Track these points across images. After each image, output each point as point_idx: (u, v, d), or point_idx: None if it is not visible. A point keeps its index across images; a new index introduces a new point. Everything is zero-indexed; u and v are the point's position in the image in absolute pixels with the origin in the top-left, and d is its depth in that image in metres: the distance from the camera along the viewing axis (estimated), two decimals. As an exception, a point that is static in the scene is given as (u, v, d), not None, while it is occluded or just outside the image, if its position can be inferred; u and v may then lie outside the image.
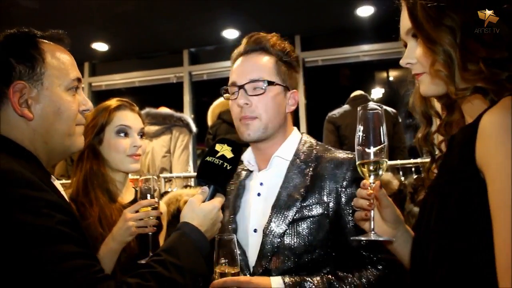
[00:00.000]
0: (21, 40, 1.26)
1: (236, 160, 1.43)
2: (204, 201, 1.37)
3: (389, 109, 4.53)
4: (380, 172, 1.17)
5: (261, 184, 1.68)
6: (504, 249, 0.81)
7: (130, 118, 1.93)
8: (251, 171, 1.77)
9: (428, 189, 1.16)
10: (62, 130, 1.28)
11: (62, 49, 1.33)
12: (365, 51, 6.15)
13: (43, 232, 1.00)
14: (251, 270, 1.58)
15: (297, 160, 1.65)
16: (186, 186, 3.82)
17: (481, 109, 0.96)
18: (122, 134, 1.90)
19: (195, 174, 4.11)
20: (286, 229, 1.54)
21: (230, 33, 6.05)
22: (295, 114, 1.78)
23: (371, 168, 1.16)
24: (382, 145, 1.15)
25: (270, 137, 1.67)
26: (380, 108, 1.17)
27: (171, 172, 4.40)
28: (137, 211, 1.68)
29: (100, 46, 6.38)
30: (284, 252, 1.53)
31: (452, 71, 0.99)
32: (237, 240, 1.60)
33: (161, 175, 3.98)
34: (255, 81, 1.63)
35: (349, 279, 1.48)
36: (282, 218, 1.55)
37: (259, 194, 1.68)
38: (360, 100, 4.55)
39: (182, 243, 1.25)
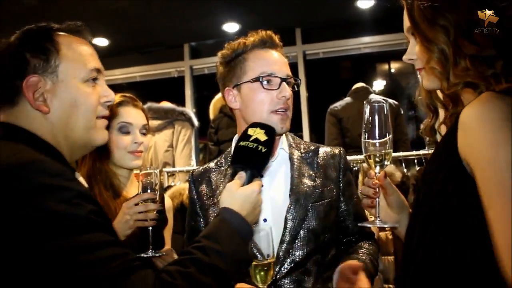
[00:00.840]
0: (36, 34, 1.24)
1: (270, 143, 1.39)
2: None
3: (390, 101, 4.52)
4: (386, 163, 1.24)
5: (261, 175, 1.73)
6: (503, 232, 0.87)
7: (132, 114, 1.93)
8: None
9: (421, 175, 1.23)
10: (81, 123, 1.26)
11: (81, 40, 1.31)
12: (366, 43, 6.14)
13: (77, 221, 0.99)
14: (275, 256, 1.58)
15: (297, 151, 1.77)
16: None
17: (465, 98, 1.05)
18: (123, 131, 1.90)
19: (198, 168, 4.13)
20: (307, 213, 1.65)
21: (231, 27, 6.03)
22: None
23: (377, 159, 1.23)
24: (387, 137, 1.21)
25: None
26: (384, 101, 1.23)
27: (173, 166, 4.42)
28: (137, 205, 1.69)
29: (100, 41, 6.37)
30: (307, 234, 1.64)
31: (446, 68, 1.06)
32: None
33: (164, 169, 3.99)
34: (292, 77, 1.75)
35: (372, 256, 1.68)
36: (303, 203, 1.67)
37: (262, 185, 1.70)
38: (362, 93, 4.55)
39: (221, 229, 1.21)
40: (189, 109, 6.19)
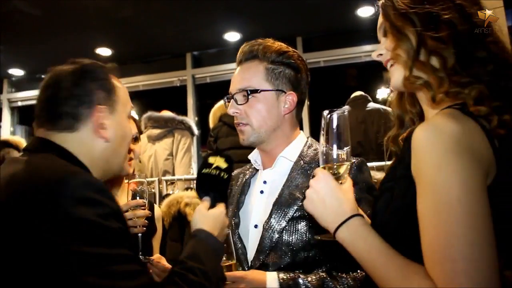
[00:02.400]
0: (100, 71, 1.38)
1: (230, 170, 1.53)
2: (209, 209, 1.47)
3: (389, 109, 4.53)
4: (344, 175, 1.19)
5: (265, 182, 1.74)
6: (430, 249, 0.92)
7: None
8: (257, 170, 1.84)
9: (380, 184, 1.25)
10: (123, 153, 1.42)
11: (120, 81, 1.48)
12: (367, 51, 6.15)
13: (108, 235, 1.08)
14: (249, 263, 1.63)
15: (301, 161, 1.69)
16: (187, 189, 3.86)
17: (429, 110, 1.08)
18: None
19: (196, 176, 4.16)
20: (285, 226, 1.58)
21: (232, 36, 6.10)
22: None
23: (335, 171, 1.18)
24: (345, 149, 1.17)
25: (268, 140, 1.72)
26: (344, 111, 1.19)
27: (173, 174, 4.45)
28: (126, 212, 1.72)
29: (104, 51, 6.45)
30: (282, 248, 1.57)
31: (410, 57, 1.07)
32: (239, 234, 1.70)
33: (163, 178, 4.02)
34: (242, 90, 1.70)
35: (343, 279, 1.51)
36: (282, 214, 1.60)
37: (262, 192, 1.73)
38: (360, 101, 4.57)
39: (202, 249, 1.33)
40: (192, 118, 6.24)
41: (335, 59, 6.32)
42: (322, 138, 1.19)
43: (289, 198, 1.62)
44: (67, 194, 1.06)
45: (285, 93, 1.72)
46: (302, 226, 1.57)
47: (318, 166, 1.63)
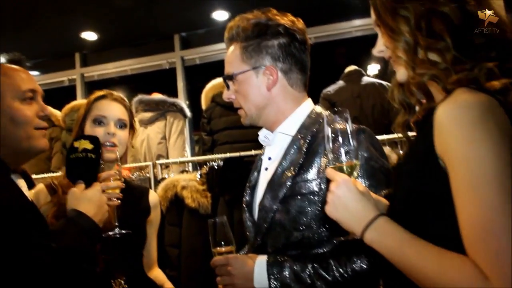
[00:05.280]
0: None
1: (97, 150, 1.61)
2: None
3: (384, 83, 4.49)
4: (355, 174, 1.18)
5: (269, 158, 1.69)
6: (469, 226, 0.89)
7: (106, 108, 1.94)
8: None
9: (396, 169, 1.25)
10: (19, 134, 1.49)
11: (17, 68, 1.57)
12: (358, 26, 6.06)
13: None
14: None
15: (299, 135, 1.61)
16: (182, 172, 3.81)
17: (441, 96, 1.05)
18: (97, 123, 1.92)
19: (192, 158, 4.10)
20: (278, 206, 1.53)
21: (220, 15, 5.95)
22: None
23: (345, 171, 1.17)
24: (351, 148, 1.17)
25: (261, 118, 1.68)
26: (346, 110, 1.19)
27: (167, 158, 4.38)
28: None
29: (89, 36, 6.29)
30: (276, 229, 1.53)
31: (410, 57, 1.08)
32: (249, 213, 1.68)
33: (157, 161, 3.96)
34: (225, 77, 1.70)
35: (337, 269, 1.42)
36: (275, 194, 1.54)
37: (266, 169, 1.69)
38: (355, 75, 4.51)
39: (69, 228, 1.41)
40: (182, 101, 6.14)
41: (325, 35, 6.21)
42: (328, 143, 1.18)
43: (282, 177, 1.56)
44: None
45: (264, 68, 1.63)
46: (293, 206, 1.51)
47: (314, 139, 1.58)
